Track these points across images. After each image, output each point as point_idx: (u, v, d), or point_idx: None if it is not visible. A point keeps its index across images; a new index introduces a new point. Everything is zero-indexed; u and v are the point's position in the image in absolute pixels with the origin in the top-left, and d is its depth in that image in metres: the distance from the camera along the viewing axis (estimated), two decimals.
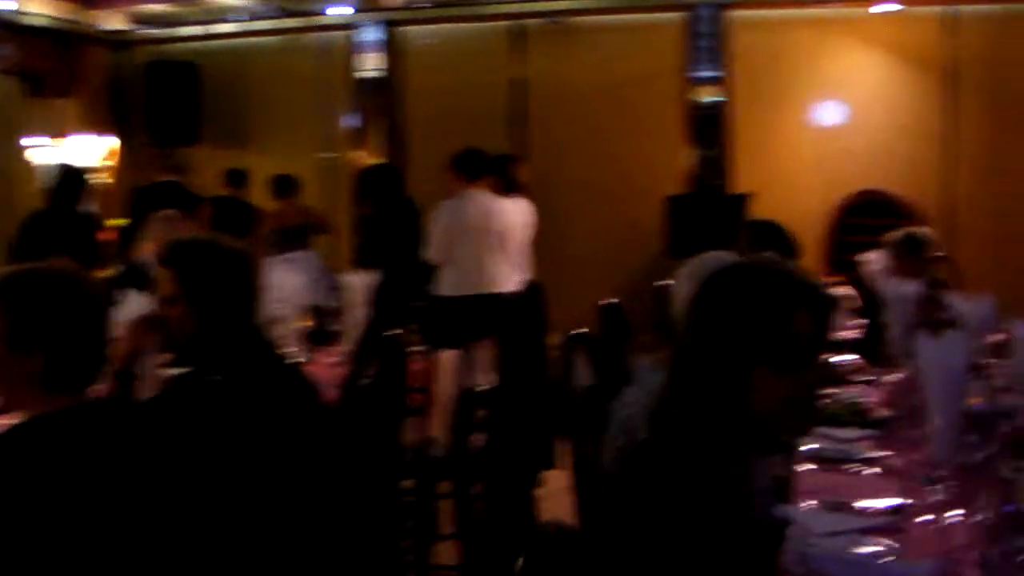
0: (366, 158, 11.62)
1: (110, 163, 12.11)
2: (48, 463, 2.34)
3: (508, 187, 8.71)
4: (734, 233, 9.58)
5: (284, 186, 10.25)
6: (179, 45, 12.47)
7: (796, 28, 10.91)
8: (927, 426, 3.81)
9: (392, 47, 11.81)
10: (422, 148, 11.50)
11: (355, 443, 3.37)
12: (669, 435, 2.39)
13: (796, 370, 2.35)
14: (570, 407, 3.21)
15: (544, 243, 9.14)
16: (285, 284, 5.41)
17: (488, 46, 11.66)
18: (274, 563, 2.93)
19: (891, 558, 2.60)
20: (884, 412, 4.18)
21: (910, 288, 5.00)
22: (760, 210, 9.93)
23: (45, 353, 2.45)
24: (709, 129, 10.79)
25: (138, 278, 4.81)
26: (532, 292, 5.58)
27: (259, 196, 10.34)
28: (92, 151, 11.81)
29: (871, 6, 10.58)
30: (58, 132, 11.66)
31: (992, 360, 4.06)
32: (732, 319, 2.37)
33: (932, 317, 4.98)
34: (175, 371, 4.22)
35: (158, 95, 12.06)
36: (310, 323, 5.62)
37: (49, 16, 11.47)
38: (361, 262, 8.49)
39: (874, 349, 5.30)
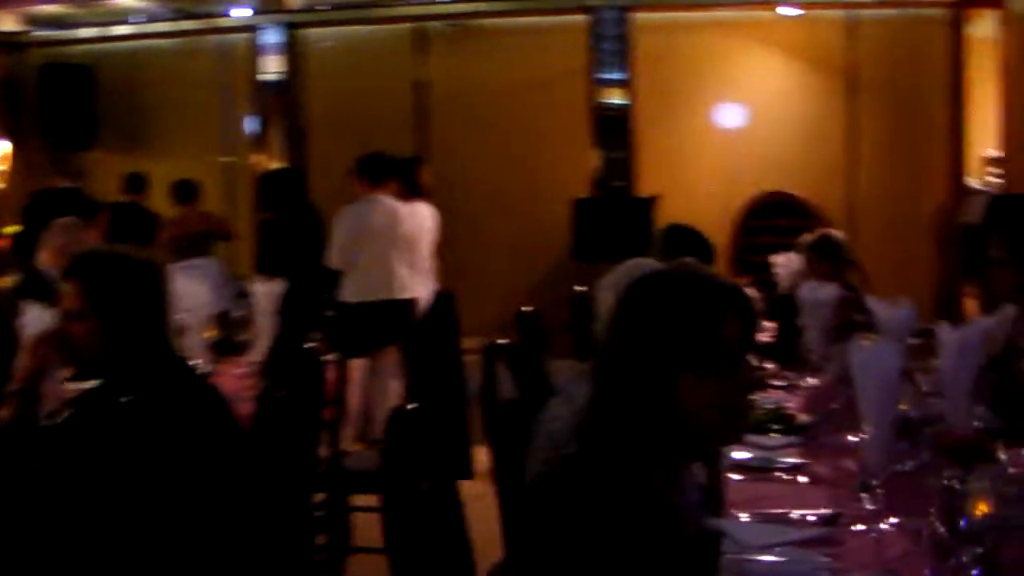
0: (267, 162, 11.45)
1: (3, 168, 11.77)
2: None
3: (412, 191, 8.61)
4: (642, 237, 9.65)
5: (185, 192, 10.00)
6: (74, 47, 12.16)
7: (700, 31, 10.95)
8: (857, 433, 3.79)
9: (292, 50, 11.62)
10: (323, 152, 11.36)
11: (271, 461, 3.25)
12: (596, 448, 2.33)
13: (725, 375, 2.31)
14: (492, 418, 3.12)
15: (448, 247, 9.05)
16: (188, 293, 5.24)
17: (390, 49, 11.55)
18: None
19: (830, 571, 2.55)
20: (806, 418, 4.15)
21: (826, 292, 4.98)
22: (665, 212, 9.96)
23: None
24: (614, 132, 10.76)
25: (39, 289, 4.63)
26: (443, 301, 5.48)
27: (158, 202, 10.10)
28: None
29: (774, 9, 10.63)
30: None
31: (919, 365, 4.05)
32: (657, 326, 2.31)
33: (850, 321, 4.98)
34: (80, 385, 4.07)
35: (53, 98, 11.74)
36: (215, 333, 5.45)
37: None
38: (263, 268, 8.35)
39: (787, 353, 5.28)
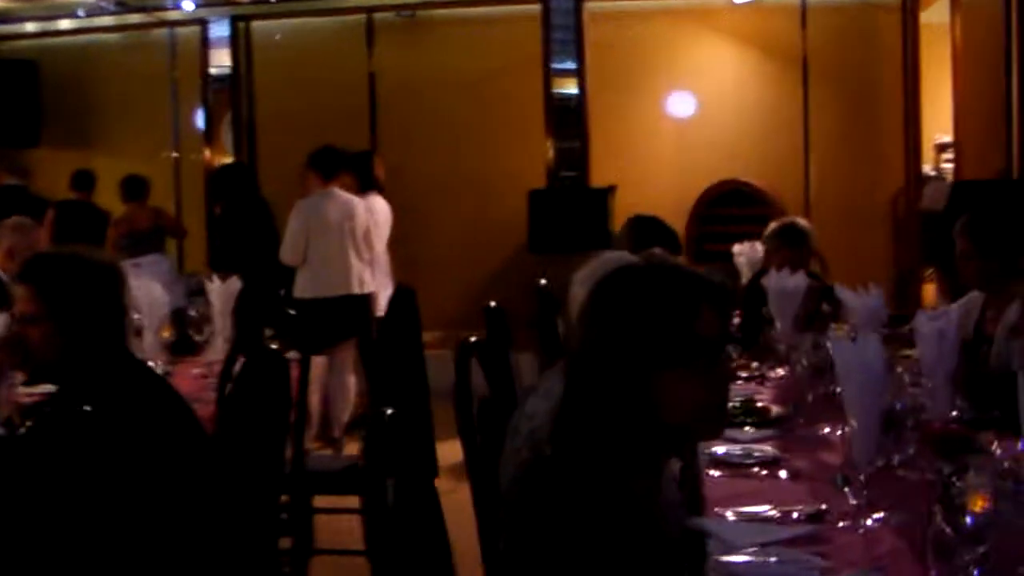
0: (216, 157, 11.28)
1: None
2: None
3: (367, 185, 8.52)
4: (599, 228, 9.62)
5: (133, 188, 9.80)
6: (18, 42, 11.94)
7: (653, 19, 10.89)
8: (833, 426, 3.73)
9: (240, 43, 11.44)
10: (274, 146, 11.21)
11: (237, 465, 3.14)
12: (572, 450, 2.25)
13: (703, 369, 2.23)
14: (467, 417, 3.03)
15: (402, 241, 8.97)
16: (141, 292, 5.11)
17: (342, 40, 11.41)
18: None
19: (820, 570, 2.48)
20: (778, 410, 4.09)
21: (794, 281, 4.92)
22: (620, 203, 9.91)
23: None
24: (568, 122, 10.67)
25: None
26: (404, 296, 5.38)
27: (106, 199, 9.93)
28: None
29: None
30: None
31: (892, 354, 3.99)
32: (632, 321, 2.24)
33: (817, 310, 4.93)
34: (34, 390, 3.95)
35: None
36: (170, 333, 5.32)
37: None
38: (217, 265, 8.23)
39: (753, 343, 5.23)
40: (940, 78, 10.42)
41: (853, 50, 10.71)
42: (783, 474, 3.30)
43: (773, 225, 6.01)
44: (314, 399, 5.07)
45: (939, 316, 3.60)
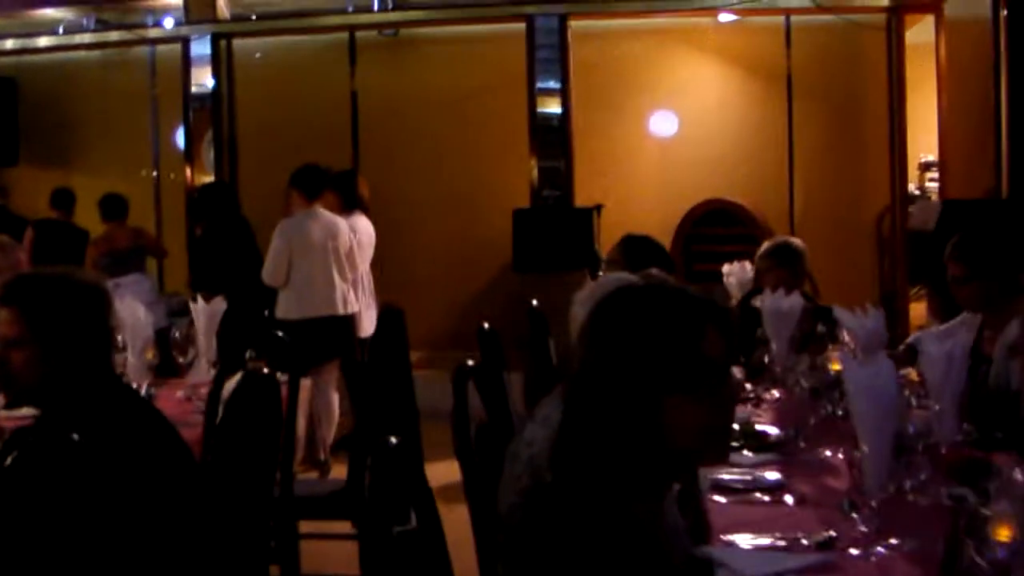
0: (196, 176, 11.16)
1: None
2: None
3: (351, 204, 8.43)
4: (583, 248, 9.55)
5: (112, 208, 9.62)
6: None
7: (637, 38, 10.84)
8: (836, 449, 3.65)
9: (221, 61, 11.33)
10: (256, 165, 11.11)
11: (228, 492, 3.04)
12: (573, 477, 2.17)
13: (710, 392, 2.17)
14: (465, 442, 2.94)
15: (386, 260, 8.88)
16: (124, 312, 5.00)
17: (325, 59, 11.33)
18: None
19: None
20: (777, 433, 4.00)
21: (789, 302, 4.84)
22: (604, 222, 9.84)
23: None
24: (552, 141, 10.58)
25: None
26: (391, 316, 5.29)
27: (85, 218, 9.81)
28: None
29: (712, 16, 10.54)
30: None
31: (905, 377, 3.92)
32: (639, 343, 2.17)
33: (812, 332, 4.85)
34: (15, 414, 3.84)
35: None
36: (153, 355, 5.21)
37: None
38: (198, 285, 8.13)
39: (748, 364, 5.15)
40: (923, 97, 10.41)
41: (838, 69, 10.69)
42: (788, 500, 3.21)
43: (766, 244, 5.94)
44: (301, 422, 4.96)
45: (946, 337, 3.53)
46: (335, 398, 7.93)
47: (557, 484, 2.20)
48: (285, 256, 7.72)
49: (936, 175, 10.86)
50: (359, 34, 11.20)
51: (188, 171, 11.26)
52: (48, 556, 2.18)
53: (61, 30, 11.55)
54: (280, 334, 4.80)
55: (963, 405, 3.40)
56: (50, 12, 11.35)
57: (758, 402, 4.66)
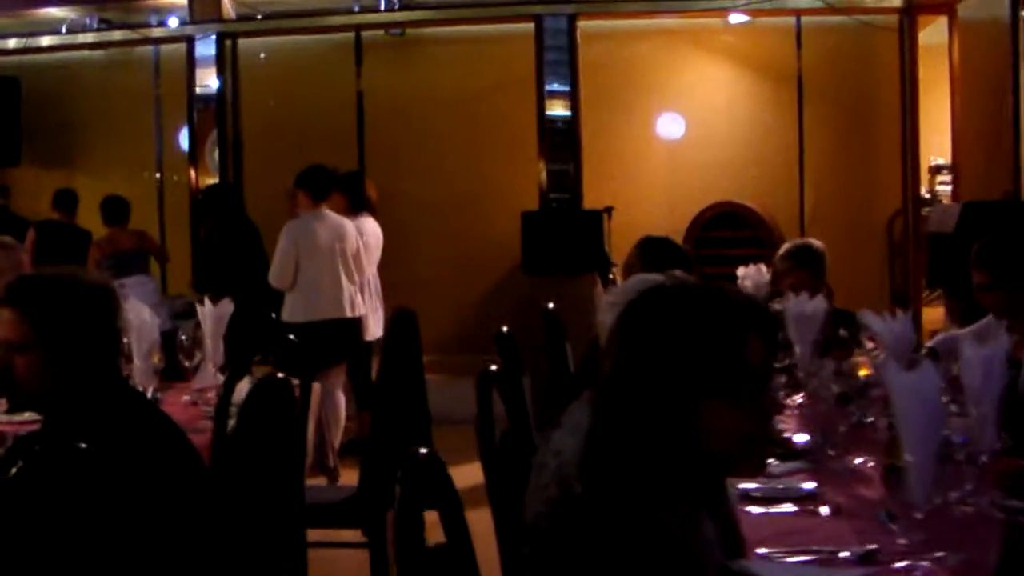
0: (200, 177, 11.04)
1: None
2: None
3: (358, 205, 8.33)
4: (593, 250, 9.44)
5: (115, 211, 9.46)
6: None
7: (647, 39, 10.75)
8: (865, 457, 3.54)
9: (226, 61, 11.21)
10: (261, 166, 10.99)
11: (242, 502, 2.92)
12: (603, 487, 2.06)
13: (750, 400, 2.06)
14: (491, 449, 2.83)
15: (391, 263, 8.77)
16: (130, 314, 4.88)
17: (331, 59, 11.22)
18: None
19: None
20: (802, 439, 3.88)
21: (813, 305, 4.72)
22: (614, 225, 9.74)
23: None
24: (561, 143, 10.46)
25: None
26: (404, 318, 5.17)
27: (88, 219, 9.70)
28: None
29: (723, 17, 10.44)
30: None
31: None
32: (678, 346, 2.05)
33: (835, 336, 4.74)
34: (18, 418, 3.72)
35: None
36: (159, 358, 5.08)
37: None
38: (201, 287, 8.03)
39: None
40: (934, 100, 10.30)
41: (849, 70, 10.60)
42: (823, 511, 3.09)
43: (787, 246, 5.82)
44: (310, 426, 4.86)
45: (977, 340, 3.42)
46: (342, 402, 7.83)
47: (587, 494, 2.09)
48: (292, 258, 7.61)
49: (946, 178, 10.74)
50: (365, 34, 11.09)
51: (192, 172, 11.14)
52: (56, 569, 2.07)
53: (64, 29, 11.42)
54: (292, 337, 4.68)
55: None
56: (53, 11, 11.24)
57: (781, 408, 4.54)
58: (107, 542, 2.23)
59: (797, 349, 4.72)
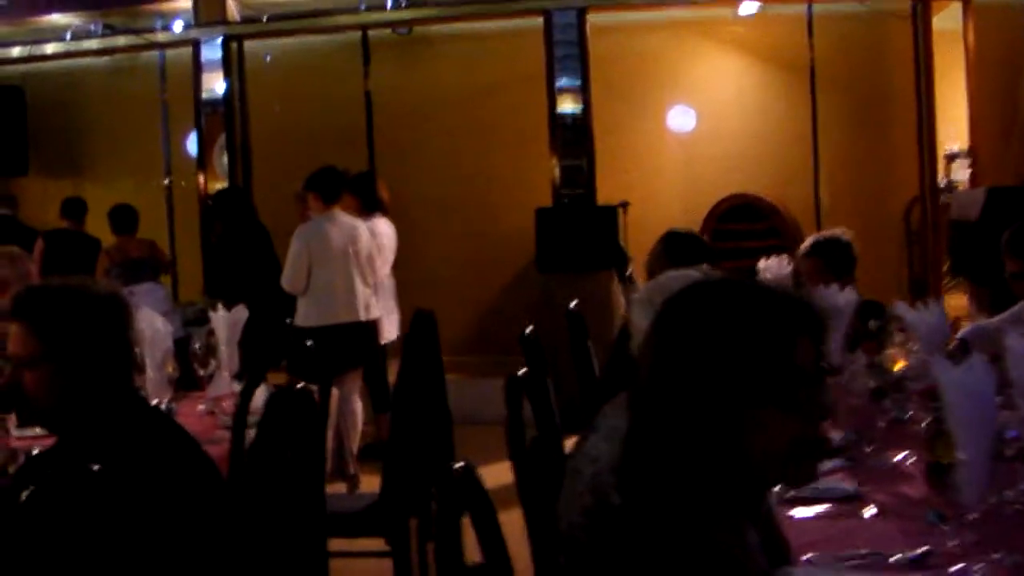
0: (209, 183, 10.93)
1: None
2: None
3: (371, 207, 8.22)
4: (608, 245, 9.32)
5: (123, 220, 9.31)
6: (3, 67, 11.59)
7: (658, 31, 10.65)
8: (905, 454, 3.43)
9: (233, 64, 11.10)
10: (267, 170, 10.91)
11: (263, 516, 2.81)
12: (645, 498, 1.93)
13: (801, 406, 1.91)
14: (522, 455, 2.72)
15: (403, 263, 8.67)
16: (142, 323, 4.78)
17: (339, 59, 11.13)
18: None
19: None
20: (837, 436, 3.76)
21: (844, 297, 4.60)
22: (628, 220, 9.64)
23: None
24: (573, 138, 10.33)
25: None
26: (423, 320, 5.07)
27: (96, 227, 9.60)
28: None
29: (733, 7, 10.32)
30: None
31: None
32: (722, 351, 1.91)
33: (866, 328, 4.62)
34: (28, 433, 3.62)
35: None
36: (173, 368, 4.97)
37: None
38: (212, 292, 7.93)
39: None
40: (948, 86, 10.18)
41: (862, 58, 10.49)
42: (868, 512, 2.97)
43: (814, 238, 5.68)
44: (328, 433, 4.77)
45: (1014, 329, 3.31)
46: (359, 406, 7.71)
47: (626, 506, 1.97)
48: (304, 262, 7.49)
49: (962, 165, 10.63)
50: (372, 33, 10.99)
51: (201, 177, 11.03)
52: None
53: (68, 36, 11.33)
54: (309, 344, 4.57)
55: None
56: (57, 18, 11.14)
57: (832, 412, 4.41)
58: (123, 564, 2.12)
59: (827, 342, 4.59)
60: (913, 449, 3.45)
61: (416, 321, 4.98)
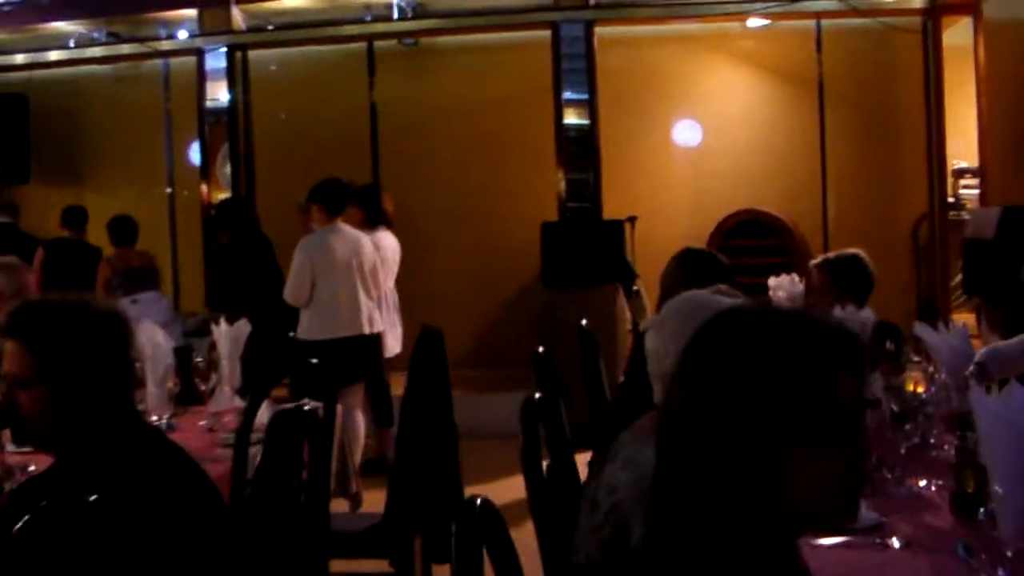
0: (212, 192, 10.85)
1: None
2: None
3: (375, 219, 8.12)
4: (614, 260, 9.22)
5: (123, 232, 9.19)
6: (5, 75, 11.52)
7: (666, 44, 10.58)
8: (928, 482, 3.33)
9: (237, 73, 11.03)
10: (271, 180, 10.83)
11: (267, 538, 2.71)
12: (673, 538, 1.81)
13: (842, 444, 1.76)
14: (538, 483, 2.61)
15: (408, 276, 8.58)
16: (142, 336, 4.68)
17: (344, 70, 11.05)
18: None
19: None
20: None
21: (861, 317, 4.50)
22: (634, 234, 9.55)
23: None
24: (580, 152, 10.24)
25: None
26: (430, 338, 4.96)
27: (97, 236, 9.50)
28: None
29: (742, 21, 10.25)
30: None
31: None
32: (760, 385, 1.77)
33: (884, 349, 4.51)
34: (24, 450, 3.52)
35: None
36: (174, 383, 4.87)
37: None
38: (214, 304, 7.83)
39: None
40: (958, 102, 10.09)
41: (871, 73, 10.43)
42: (894, 543, 2.86)
43: (829, 256, 5.57)
44: (334, 452, 4.65)
45: None
46: (361, 421, 7.62)
47: (650, 547, 1.84)
48: (307, 274, 7.39)
49: (971, 182, 10.53)
50: (378, 44, 10.94)
51: (204, 187, 10.96)
52: None
53: (72, 44, 11.26)
54: (315, 361, 4.46)
55: None
56: (60, 25, 11.07)
57: (873, 449, 4.30)
58: None
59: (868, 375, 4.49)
60: (934, 476, 3.35)
61: (423, 339, 4.88)
